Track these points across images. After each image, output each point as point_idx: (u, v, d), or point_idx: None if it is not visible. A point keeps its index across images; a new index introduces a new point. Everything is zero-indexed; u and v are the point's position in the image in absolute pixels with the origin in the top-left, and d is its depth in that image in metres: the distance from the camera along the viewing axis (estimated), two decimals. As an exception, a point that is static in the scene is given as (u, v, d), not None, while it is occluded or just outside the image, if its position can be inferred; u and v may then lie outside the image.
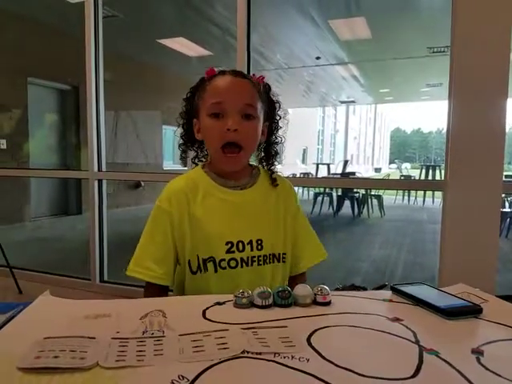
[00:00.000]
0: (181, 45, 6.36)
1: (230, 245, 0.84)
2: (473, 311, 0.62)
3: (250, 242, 0.86)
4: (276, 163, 0.95)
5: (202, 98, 0.87)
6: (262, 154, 0.95)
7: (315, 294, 0.66)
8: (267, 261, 0.87)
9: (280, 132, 0.95)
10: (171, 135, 8.95)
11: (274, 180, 0.93)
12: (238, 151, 0.83)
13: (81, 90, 4.30)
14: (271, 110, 0.92)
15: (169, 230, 0.86)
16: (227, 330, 0.55)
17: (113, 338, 0.53)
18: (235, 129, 0.81)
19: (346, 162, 10.14)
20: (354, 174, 8.66)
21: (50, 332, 0.53)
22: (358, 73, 8.73)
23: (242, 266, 0.85)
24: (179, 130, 0.94)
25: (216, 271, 0.84)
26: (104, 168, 2.61)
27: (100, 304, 0.66)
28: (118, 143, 6.78)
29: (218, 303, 0.65)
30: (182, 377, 0.43)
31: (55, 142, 6.07)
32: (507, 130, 1.53)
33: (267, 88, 0.91)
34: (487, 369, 0.46)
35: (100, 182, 2.58)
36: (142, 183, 7.34)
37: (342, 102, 15.17)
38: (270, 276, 0.88)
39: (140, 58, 6.89)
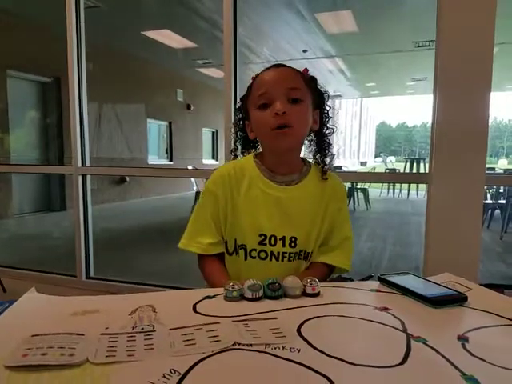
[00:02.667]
0: (166, 37, 6.27)
1: (262, 237, 0.87)
2: (458, 299, 0.63)
3: (283, 238, 0.87)
4: (329, 154, 0.94)
5: (249, 98, 0.90)
6: (314, 147, 0.95)
7: (304, 286, 0.67)
8: (297, 257, 0.90)
9: (331, 122, 0.95)
10: (156, 129, 8.86)
11: (323, 175, 0.92)
12: (287, 130, 0.83)
13: (62, 82, 4.21)
14: (320, 99, 0.92)
15: (214, 209, 0.90)
16: (218, 322, 0.55)
17: (102, 334, 0.52)
18: (283, 111, 0.81)
19: (332, 156, 10.17)
20: (340, 168, 8.72)
21: (37, 329, 0.52)
22: (345, 66, 8.78)
23: (271, 259, 0.88)
24: (232, 140, 0.97)
25: (246, 259, 0.89)
26: (88, 163, 2.56)
27: (88, 300, 0.65)
28: (101, 137, 6.67)
29: (208, 297, 0.65)
30: (174, 370, 0.43)
31: (37, 136, 5.93)
32: (489, 124, 1.56)
33: (313, 79, 0.91)
34: (472, 354, 0.47)
35: (84, 177, 2.53)
36: (127, 178, 7.25)
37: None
38: (293, 270, 0.89)
39: (124, 49, 6.76)
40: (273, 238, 0.87)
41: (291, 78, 0.85)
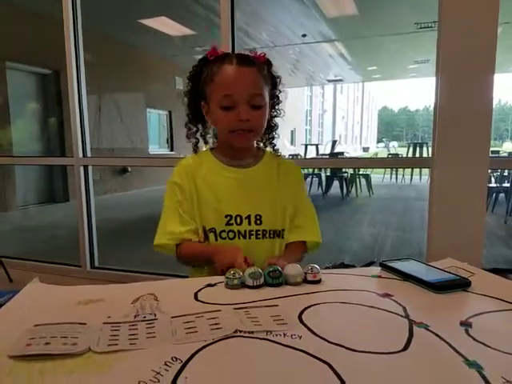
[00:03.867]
0: (163, 24, 6.17)
1: (228, 217, 0.91)
2: (461, 284, 0.63)
3: (248, 217, 0.91)
4: (276, 136, 1.00)
5: (209, 86, 0.90)
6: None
7: (305, 273, 0.66)
8: (266, 235, 0.93)
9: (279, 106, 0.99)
10: (156, 118, 8.80)
11: (278, 157, 0.99)
12: (247, 133, 0.89)
13: (62, 74, 4.16)
14: (273, 86, 0.95)
15: (182, 198, 0.93)
16: (219, 310, 0.55)
17: (104, 323, 0.52)
18: (247, 119, 0.86)
19: (334, 142, 10.13)
20: (342, 153, 8.67)
21: (40, 319, 0.53)
22: (345, 50, 8.64)
23: (239, 238, 0.91)
24: (185, 109, 0.98)
25: (216, 240, 0.91)
26: (89, 154, 2.56)
27: (90, 290, 0.65)
28: (102, 128, 6.64)
29: (210, 285, 0.65)
30: (176, 358, 0.43)
31: (38, 128, 5.92)
32: (493, 106, 1.53)
33: (269, 65, 0.94)
34: (475, 340, 0.47)
35: (86, 168, 2.53)
36: (129, 168, 7.25)
37: (330, 81, 15.05)
38: (267, 249, 0.92)
39: (121, 38, 6.68)
40: (238, 218, 0.91)
41: (255, 83, 0.89)
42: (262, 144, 1.00)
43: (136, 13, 5.67)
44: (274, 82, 0.95)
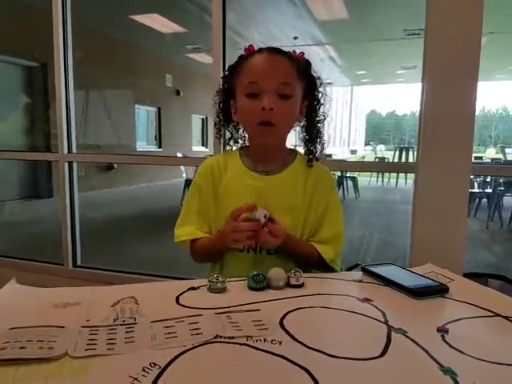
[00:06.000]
0: (154, 21, 6.12)
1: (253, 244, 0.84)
2: (439, 290, 0.64)
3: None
4: (319, 142, 0.93)
5: (238, 78, 0.86)
6: (305, 134, 0.93)
7: (288, 277, 0.67)
8: (278, 250, 0.85)
9: (322, 109, 0.92)
10: (145, 115, 8.71)
11: (310, 163, 0.90)
12: (270, 127, 0.82)
13: (49, 66, 4.08)
14: (312, 87, 0.89)
15: (200, 202, 0.91)
16: (201, 315, 0.55)
17: (82, 327, 0.51)
18: (271, 108, 0.80)
19: (322, 145, 10.18)
20: (330, 156, 8.73)
21: (16, 322, 0.52)
22: (335, 54, 8.71)
23: (248, 252, 0.86)
24: (215, 109, 0.94)
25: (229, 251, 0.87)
26: (74, 150, 2.51)
27: (70, 292, 0.64)
28: (88, 124, 6.54)
29: (193, 288, 0.65)
30: (154, 364, 0.43)
31: (23, 122, 5.80)
32: (476, 113, 1.56)
33: (307, 64, 0.89)
34: (451, 346, 0.48)
35: (70, 164, 2.49)
36: (115, 165, 7.15)
37: (320, 84, 15.12)
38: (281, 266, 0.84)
39: (111, 34, 6.59)
40: None
41: (284, 72, 0.83)
42: (306, 152, 0.91)
43: (128, 9, 5.61)
44: (312, 81, 0.89)
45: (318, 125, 0.92)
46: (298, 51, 0.89)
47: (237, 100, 0.87)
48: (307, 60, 0.89)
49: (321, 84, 0.90)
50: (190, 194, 0.95)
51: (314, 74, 0.90)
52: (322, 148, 0.94)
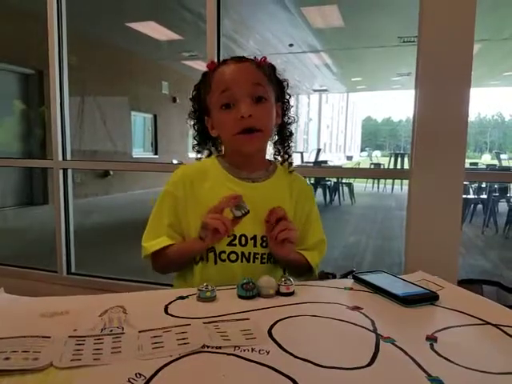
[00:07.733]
0: (151, 29, 6.15)
1: (232, 237, 0.81)
2: (429, 298, 0.64)
3: (254, 238, 0.82)
4: (292, 145, 0.91)
5: (208, 93, 0.84)
6: (276, 138, 0.91)
7: (279, 285, 0.66)
8: (271, 260, 0.84)
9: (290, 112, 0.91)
10: (141, 122, 8.72)
11: (289, 168, 0.90)
12: (253, 133, 0.80)
13: (45, 74, 4.07)
14: (281, 90, 0.88)
15: (172, 212, 0.85)
16: (189, 324, 0.54)
17: (69, 337, 0.51)
18: (249, 114, 0.78)
19: (318, 151, 10.23)
20: (326, 162, 8.76)
21: (1, 332, 0.51)
22: (331, 61, 8.78)
23: (242, 261, 0.81)
24: (191, 131, 0.92)
25: (215, 263, 0.82)
26: (69, 156, 2.51)
27: (57, 301, 0.63)
28: (84, 130, 6.53)
29: (181, 297, 0.65)
30: (140, 374, 0.42)
31: (19, 129, 5.78)
32: (472, 119, 1.57)
33: (272, 68, 0.87)
34: (439, 355, 0.48)
35: (65, 171, 2.48)
36: (111, 172, 7.13)
37: (315, 91, 15.24)
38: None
39: (107, 41, 6.62)
40: (243, 238, 0.81)
41: (254, 75, 0.81)
42: (279, 157, 0.91)
43: (124, 16, 5.63)
44: (280, 85, 0.88)
45: (289, 128, 0.91)
46: (258, 58, 0.87)
47: (212, 116, 0.85)
48: (271, 64, 0.88)
49: (287, 86, 0.90)
50: (160, 204, 0.87)
51: (280, 77, 0.89)
52: (291, 152, 0.93)
